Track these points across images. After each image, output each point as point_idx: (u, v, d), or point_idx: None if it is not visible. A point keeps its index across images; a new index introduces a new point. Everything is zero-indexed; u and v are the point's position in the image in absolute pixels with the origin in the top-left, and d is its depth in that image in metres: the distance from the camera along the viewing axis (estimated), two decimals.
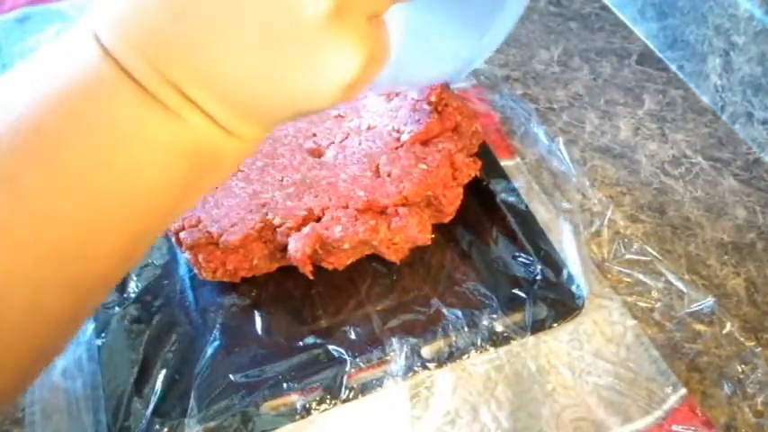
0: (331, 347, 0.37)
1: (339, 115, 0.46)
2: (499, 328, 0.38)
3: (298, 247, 0.37)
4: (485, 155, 0.45)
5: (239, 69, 0.20)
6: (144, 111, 0.20)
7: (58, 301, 0.21)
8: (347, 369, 0.36)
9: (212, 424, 0.34)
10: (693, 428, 0.35)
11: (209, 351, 0.37)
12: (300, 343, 0.37)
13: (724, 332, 0.39)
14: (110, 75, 0.20)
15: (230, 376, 0.36)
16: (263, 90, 0.21)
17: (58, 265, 0.20)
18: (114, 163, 0.20)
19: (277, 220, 0.39)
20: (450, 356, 0.37)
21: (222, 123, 0.22)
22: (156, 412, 0.34)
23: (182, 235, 0.38)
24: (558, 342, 0.38)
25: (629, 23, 0.61)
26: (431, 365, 0.36)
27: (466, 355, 0.37)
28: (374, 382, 0.36)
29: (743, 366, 0.38)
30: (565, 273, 0.40)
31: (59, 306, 0.21)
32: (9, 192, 0.19)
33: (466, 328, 0.37)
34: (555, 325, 0.38)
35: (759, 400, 0.36)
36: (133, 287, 0.39)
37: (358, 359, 0.36)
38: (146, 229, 0.23)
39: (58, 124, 0.19)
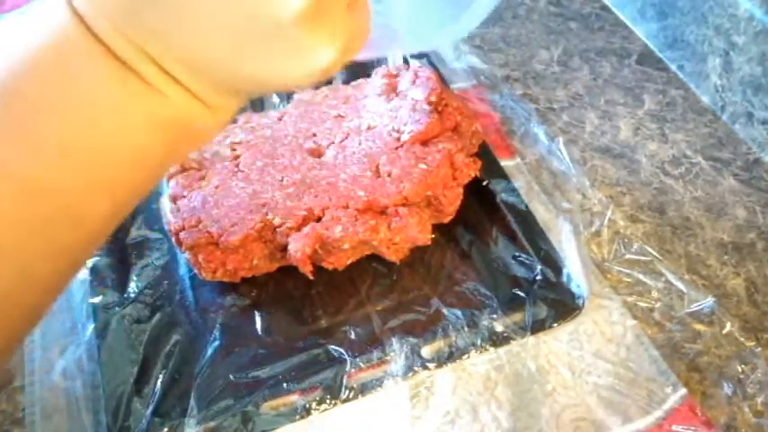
0: (331, 347, 0.37)
1: (339, 115, 0.46)
2: (499, 328, 0.38)
3: (298, 247, 0.37)
4: (485, 155, 0.45)
5: (216, 50, 0.21)
6: (125, 85, 0.20)
7: (46, 267, 0.22)
8: (347, 369, 0.36)
9: (212, 424, 0.34)
10: (693, 428, 0.35)
11: (209, 351, 0.37)
12: (300, 343, 0.37)
13: (724, 332, 0.39)
14: (91, 49, 0.20)
15: (230, 376, 0.36)
16: (240, 70, 0.21)
17: (45, 233, 0.21)
18: (94, 132, 0.20)
19: (277, 220, 0.39)
20: (450, 356, 0.37)
21: (199, 95, 0.22)
22: (156, 412, 0.34)
23: (182, 235, 0.38)
24: (558, 342, 0.38)
25: (629, 23, 0.61)
26: (431, 365, 0.36)
27: (466, 355, 0.37)
28: (374, 382, 0.36)
29: (743, 366, 0.38)
30: (565, 273, 0.40)
31: (47, 271, 0.22)
32: None
33: (466, 328, 0.37)
34: (555, 325, 0.38)
35: (759, 400, 0.36)
36: (133, 287, 0.39)
37: (358, 359, 0.36)
38: (127, 194, 0.23)
39: (38, 92, 0.20)
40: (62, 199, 0.21)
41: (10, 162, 0.19)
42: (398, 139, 0.43)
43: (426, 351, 0.37)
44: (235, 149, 0.43)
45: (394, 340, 0.37)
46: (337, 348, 0.37)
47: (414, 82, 0.46)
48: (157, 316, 0.38)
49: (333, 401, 0.35)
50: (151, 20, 0.20)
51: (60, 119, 0.20)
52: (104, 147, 0.21)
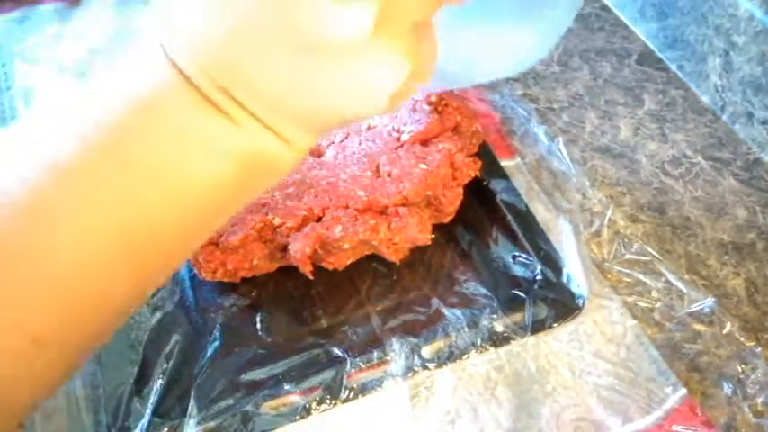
0: (331, 347, 0.37)
1: None
2: (499, 328, 0.38)
3: (298, 247, 0.37)
4: (485, 155, 0.45)
5: (293, 89, 0.22)
6: (208, 118, 0.22)
7: (124, 290, 0.23)
8: (347, 369, 0.36)
9: (212, 424, 0.34)
10: (693, 428, 0.35)
11: (209, 351, 0.37)
12: (300, 343, 0.37)
13: (724, 332, 0.39)
14: (179, 85, 0.22)
15: (230, 376, 0.36)
16: (312, 102, 0.23)
17: (127, 256, 0.22)
18: (181, 161, 0.22)
19: (277, 221, 0.39)
20: (450, 356, 0.37)
21: (275, 130, 0.23)
22: (156, 412, 0.34)
23: None
24: (558, 342, 0.38)
25: (629, 23, 0.61)
26: (431, 365, 0.36)
27: (466, 355, 0.37)
28: (374, 382, 0.36)
29: (743, 366, 0.38)
30: (565, 273, 0.40)
31: (124, 295, 0.23)
32: (87, 182, 0.21)
33: (466, 328, 0.37)
34: (555, 325, 0.38)
35: (759, 400, 0.36)
36: None
37: (358, 359, 0.36)
38: (200, 224, 0.25)
39: (135, 124, 0.22)
40: (146, 226, 0.22)
41: (104, 186, 0.21)
42: (398, 139, 0.43)
43: (426, 351, 0.37)
44: None
45: (394, 340, 0.37)
46: (337, 348, 0.37)
47: None
48: (157, 316, 0.38)
49: (333, 401, 0.35)
50: (235, 63, 0.21)
51: (151, 148, 0.22)
52: (188, 173, 0.22)
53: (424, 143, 0.43)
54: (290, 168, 0.26)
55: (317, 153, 0.44)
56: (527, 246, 0.42)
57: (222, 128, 0.22)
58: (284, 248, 0.38)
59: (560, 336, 0.38)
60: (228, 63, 0.21)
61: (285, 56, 0.21)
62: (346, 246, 0.38)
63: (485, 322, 0.38)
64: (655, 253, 0.43)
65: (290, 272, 0.40)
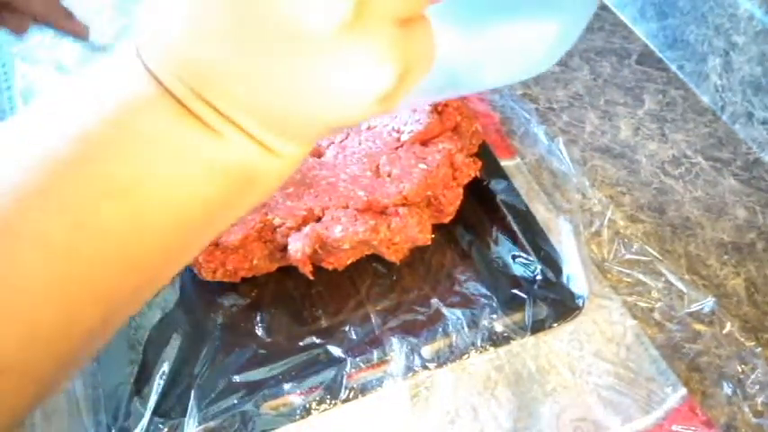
0: (331, 347, 0.37)
1: None
2: (499, 328, 0.38)
3: (298, 247, 0.37)
4: (485, 155, 0.45)
5: (271, 91, 0.20)
6: (185, 128, 0.21)
7: (92, 314, 0.21)
8: (347, 369, 0.36)
9: (212, 424, 0.34)
10: (693, 428, 0.35)
11: (209, 351, 0.37)
12: (300, 343, 0.37)
13: (724, 332, 0.39)
14: (154, 93, 0.20)
15: (230, 376, 0.36)
16: (291, 106, 0.21)
17: (94, 277, 0.21)
18: (156, 175, 0.21)
19: (277, 220, 0.39)
20: (450, 356, 0.37)
21: (259, 139, 0.22)
22: (156, 412, 0.34)
23: None
24: (558, 342, 0.38)
25: (629, 23, 0.61)
26: (431, 365, 0.36)
27: (466, 355, 0.37)
28: (374, 382, 0.36)
29: (743, 366, 0.38)
30: (565, 273, 0.40)
31: (92, 318, 0.21)
32: (52, 200, 0.20)
33: (466, 328, 0.37)
34: (555, 325, 0.38)
35: (759, 400, 0.36)
36: None
37: (358, 359, 0.36)
38: (181, 243, 0.23)
39: (105, 135, 0.20)
40: (116, 243, 0.21)
41: (70, 201, 0.20)
42: (398, 139, 0.43)
43: (426, 351, 0.37)
44: None
45: (394, 340, 0.37)
46: (337, 348, 0.37)
47: None
48: (157, 316, 0.38)
49: (333, 401, 0.35)
50: (213, 71, 0.20)
51: (123, 160, 0.20)
52: (164, 188, 0.21)
53: (424, 143, 0.43)
54: (277, 181, 0.24)
55: (317, 153, 0.44)
56: (527, 246, 0.42)
57: (203, 139, 0.21)
58: (284, 248, 0.38)
59: (560, 336, 0.38)
60: (202, 65, 0.20)
61: (259, 54, 0.20)
62: (346, 246, 0.38)
63: (485, 322, 0.38)
64: (655, 253, 0.43)
65: (290, 272, 0.39)
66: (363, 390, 0.36)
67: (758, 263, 0.43)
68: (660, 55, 0.58)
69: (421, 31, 0.21)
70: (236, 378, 0.36)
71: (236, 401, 0.35)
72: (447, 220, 0.42)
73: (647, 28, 0.59)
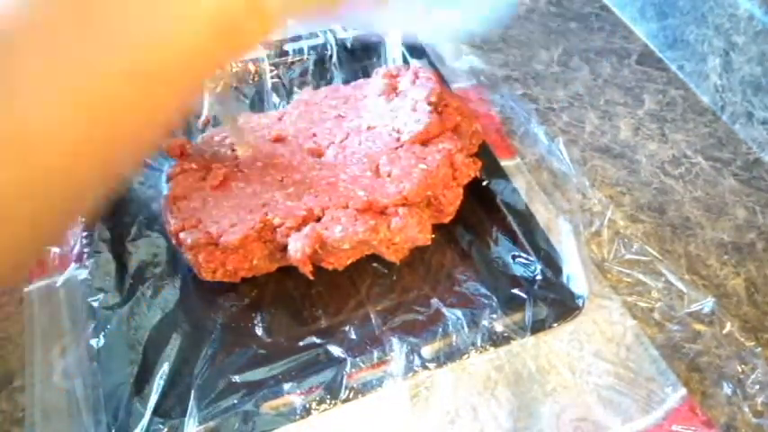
0: (331, 347, 0.37)
1: (339, 115, 0.46)
2: (499, 328, 0.38)
3: (298, 247, 0.37)
4: (485, 155, 0.45)
5: None
6: None
7: (90, 166, 0.23)
8: (347, 369, 0.36)
9: (212, 424, 0.34)
10: (693, 428, 0.35)
11: (209, 351, 0.37)
12: (300, 343, 0.37)
13: (724, 332, 0.39)
14: None
15: (230, 376, 0.36)
16: None
17: (91, 125, 0.22)
18: (147, 21, 0.22)
19: (277, 221, 0.39)
20: (450, 356, 0.37)
21: None
22: (156, 412, 0.34)
23: (182, 235, 0.38)
24: (558, 342, 0.38)
25: (629, 23, 0.61)
26: (431, 365, 0.36)
27: (466, 355, 0.37)
28: (374, 382, 0.36)
29: (743, 366, 0.38)
30: (565, 273, 0.40)
31: (90, 171, 0.23)
32: (48, 44, 0.21)
33: (466, 328, 0.37)
34: (555, 325, 0.38)
35: (759, 400, 0.36)
36: (133, 287, 0.39)
37: (358, 359, 0.36)
38: (168, 93, 0.24)
39: None
40: (112, 88, 0.22)
41: (64, 45, 0.21)
42: (398, 139, 0.43)
43: (426, 351, 0.37)
44: (235, 149, 0.43)
45: (394, 340, 0.37)
46: (337, 348, 0.37)
47: (414, 82, 0.46)
48: (157, 316, 0.38)
49: (333, 401, 0.35)
50: None
51: (114, 6, 0.22)
52: (155, 34, 0.22)
53: (424, 143, 0.43)
54: (256, 40, 0.26)
55: (317, 153, 0.44)
56: (527, 246, 0.42)
57: None
58: (284, 248, 0.38)
59: (560, 336, 0.38)
60: None
61: None
62: (346, 246, 0.38)
63: (485, 322, 0.38)
64: (655, 253, 0.43)
65: (290, 272, 0.40)
66: (363, 390, 0.36)
67: (758, 263, 0.43)
68: (660, 55, 0.58)
69: None
70: (236, 378, 0.36)
71: (236, 401, 0.35)
72: (447, 220, 0.42)
73: (647, 28, 0.59)
